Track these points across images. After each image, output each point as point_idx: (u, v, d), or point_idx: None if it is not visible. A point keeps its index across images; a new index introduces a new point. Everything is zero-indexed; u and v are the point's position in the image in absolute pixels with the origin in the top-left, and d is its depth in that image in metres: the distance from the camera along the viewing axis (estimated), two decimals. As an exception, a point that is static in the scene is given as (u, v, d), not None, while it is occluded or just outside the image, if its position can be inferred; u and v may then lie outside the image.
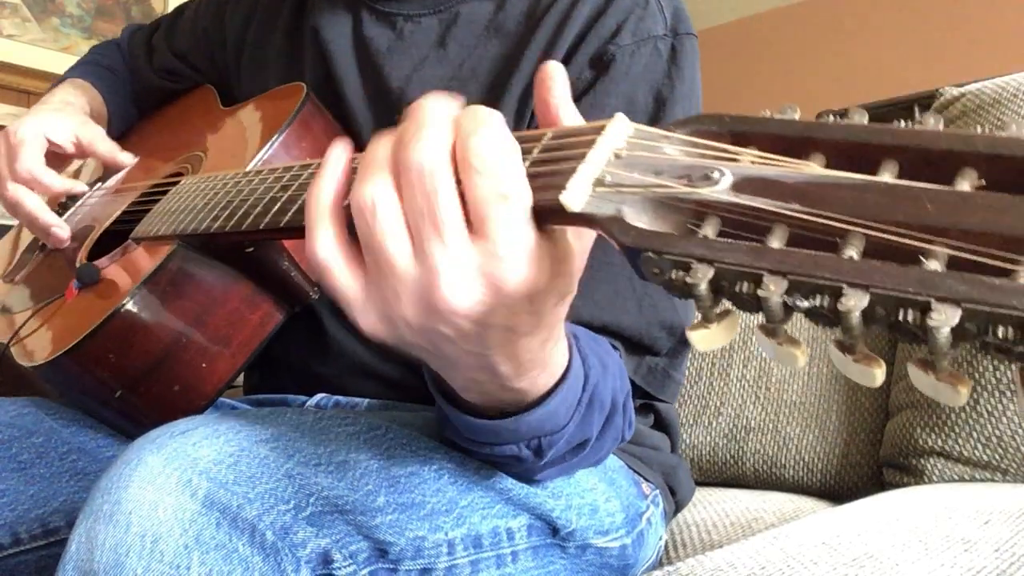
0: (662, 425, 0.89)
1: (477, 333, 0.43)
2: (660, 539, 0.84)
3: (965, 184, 0.30)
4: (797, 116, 0.35)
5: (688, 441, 1.25)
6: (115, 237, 0.86)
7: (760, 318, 0.31)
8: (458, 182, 0.40)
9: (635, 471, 0.81)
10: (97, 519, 0.52)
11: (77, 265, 0.85)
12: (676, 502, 0.90)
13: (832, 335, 0.31)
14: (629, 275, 0.73)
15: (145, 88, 1.16)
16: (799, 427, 1.18)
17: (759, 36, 2.35)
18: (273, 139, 0.80)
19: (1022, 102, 1.06)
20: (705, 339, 0.34)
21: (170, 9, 2.67)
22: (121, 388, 0.72)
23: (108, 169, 1.06)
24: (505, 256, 0.40)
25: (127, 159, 1.00)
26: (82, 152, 0.99)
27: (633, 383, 0.74)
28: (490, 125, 0.40)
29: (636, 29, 0.76)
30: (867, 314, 0.28)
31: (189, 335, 0.73)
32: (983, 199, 0.29)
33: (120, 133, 1.15)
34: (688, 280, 0.31)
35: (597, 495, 0.72)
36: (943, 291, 0.27)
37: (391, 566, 0.58)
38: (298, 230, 0.56)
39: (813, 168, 0.33)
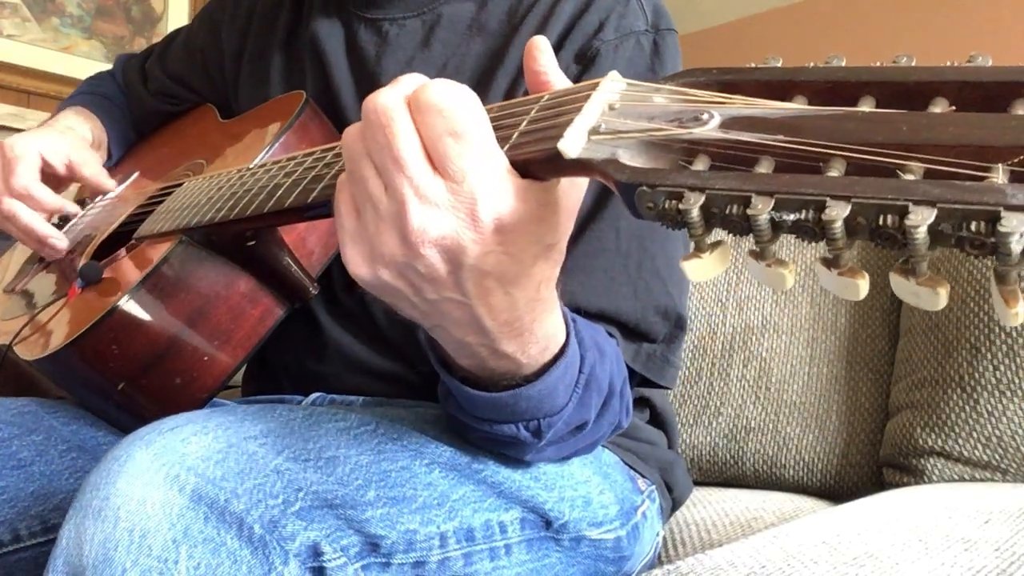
0: (658, 421, 0.89)
1: (451, 273, 0.45)
2: (657, 535, 0.84)
3: (937, 110, 0.32)
4: (780, 64, 0.38)
5: (688, 441, 1.25)
6: (117, 243, 0.87)
7: (750, 244, 0.33)
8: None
9: (631, 466, 0.82)
10: (86, 515, 0.52)
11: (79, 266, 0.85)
12: (673, 499, 0.90)
13: (817, 254, 0.32)
14: (623, 260, 0.74)
15: (144, 113, 1.17)
16: (799, 427, 1.18)
17: (759, 36, 2.35)
18: (274, 141, 0.81)
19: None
20: (698, 268, 0.36)
21: (170, 9, 2.68)
22: (123, 380, 0.73)
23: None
24: (467, 191, 0.43)
25: (110, 185, 1.01)
26: (71, 174, 1.00)
27: (633, 370, 0.75)
28: (444, 80, 0.44)
29: (619, 25, 0.79)
30: (849, 223, 0.30)
31: (191, 328, 0.74)
32: (954, 118, 0.31)
33: (120, 157, 1.17)
34: (681, 207, 0.33)
35: (591, 487, 0.73)
36: (919, 195, 0.28)
37: (384, 560, 0.59)
38: (300, 210, 0.59)
39: (795, 106, 0.35)
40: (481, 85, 0.81)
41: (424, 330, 0.54)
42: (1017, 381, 0.99)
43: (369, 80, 0.87)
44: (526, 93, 0.50)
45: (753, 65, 0.38)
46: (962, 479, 1.01)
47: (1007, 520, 0.67)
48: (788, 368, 1.22)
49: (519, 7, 0.84)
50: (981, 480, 1.00)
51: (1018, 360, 0.99)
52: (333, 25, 0.91)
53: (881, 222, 0.29)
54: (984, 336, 1.02)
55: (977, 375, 1.01)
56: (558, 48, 0.79)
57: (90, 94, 1.17)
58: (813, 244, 0.32)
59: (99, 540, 0.50)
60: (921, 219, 0.28)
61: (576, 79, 0.77)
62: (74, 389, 0.82)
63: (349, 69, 0.89)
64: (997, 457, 0.99)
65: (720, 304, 1.29)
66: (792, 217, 0.31)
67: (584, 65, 0.78)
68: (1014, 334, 1.00)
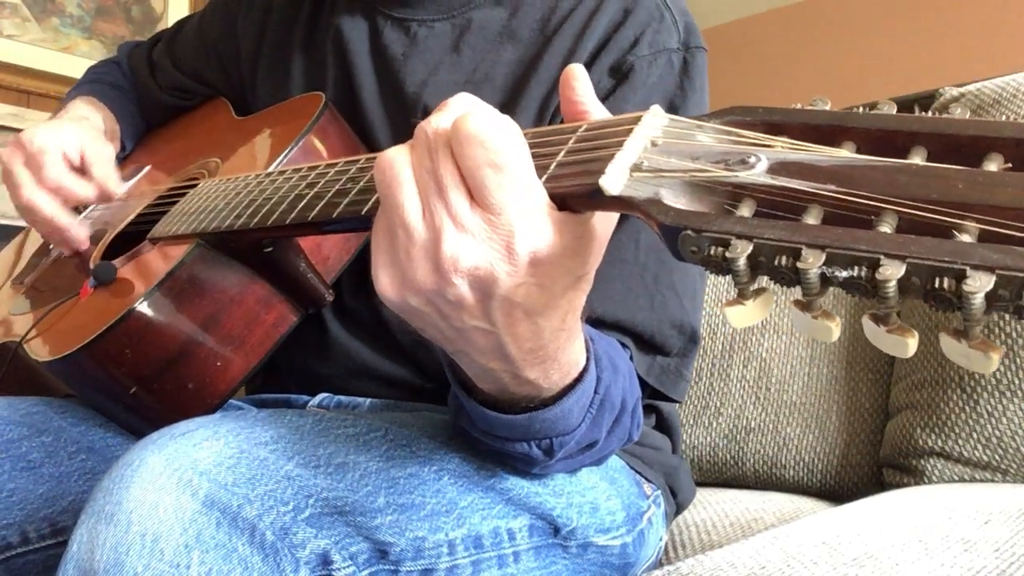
0: (664, 426, 0.90)
1: (480, 303, 0.45)
2: (661, 539, 0.85)
3: (992, 166, 0.31)
4: (828, 107, 0.37)
5: (688, 441, 1.25)
6: (128, 240, 0.86)
7: (795, 293, 0.33)
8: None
9: (636, 471, 0.82)
10: (99, 519, 0.52)
11: (91, 265, 0.85)
12: (677, 503, 0.91)
13: (867, 308, 0.32)
14: (641, 273, 0.74)
15: (152, 104, 1.15)
16: (799, 428, 1.19)
17: (759, 36, 2.35)
18: (292, 144, 0.81)
19: (1022, 102, 1.06)
20: (741, 316, 0.35)
21: (170, 9, 2.68)
22: (136, 385, 0.73)
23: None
24: (505, 224, 0.42)
25: (116, 190, 0.96)
26: (82, 168, 0.97)
27: (646, 383, 0.75)
28: (486, 109, 0.44)
29: (653, 41, 0.79)
30: (903, 283, 0.29)
31: (205, 334, 0.73)
32: (1012, 178, 0.30)
33: (132, 148, 1.15)
34: (728, 255, 0.32)
35: (598, 493, 0.73)
36: (977, 259, 0.28)
37: (392, 567, 0.59)
38: (323, 223, 0.58)
39: (845, 154, 0.34)
40: (514, 94, 0.81)
41: (443, 352, 0.54)
42: (1017, 381, 0.99)
43: (393, 81, 0.86)
44: (558, 109, 0.50)
45: (799, 106, 0.37)
46: (962, 479, 1.02)
47: (1007, 520, 0.68)
48: (788, 368, 1.22)
49: (552, 17, 0.83)
50: (981, 480, 1.01)
51: (1018, 360, 1.00)
52: (356, 21, 0.90)
53: (936, 285, 0.28)
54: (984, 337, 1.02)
55: (977, 375, 1.02)
56: (592, 61, 0.79)
57: (98, 83, 1.14)
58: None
59: (111, 544, 0.51)
60: (979, 286, 0.27)
61: (609, 93, 0.77)
62: (85, 392, 0.82)
63: (372, 68, 0.88)
64: (997, 457, 1.00)
65: (720, 304, 1.30)
66: (844, 274, 0.30)
67: (618, 80, 0.78)
68: (1014, 335, 1.01)
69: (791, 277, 0.31)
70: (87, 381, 0.77)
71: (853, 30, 2.19)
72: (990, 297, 0.28)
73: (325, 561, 0.55)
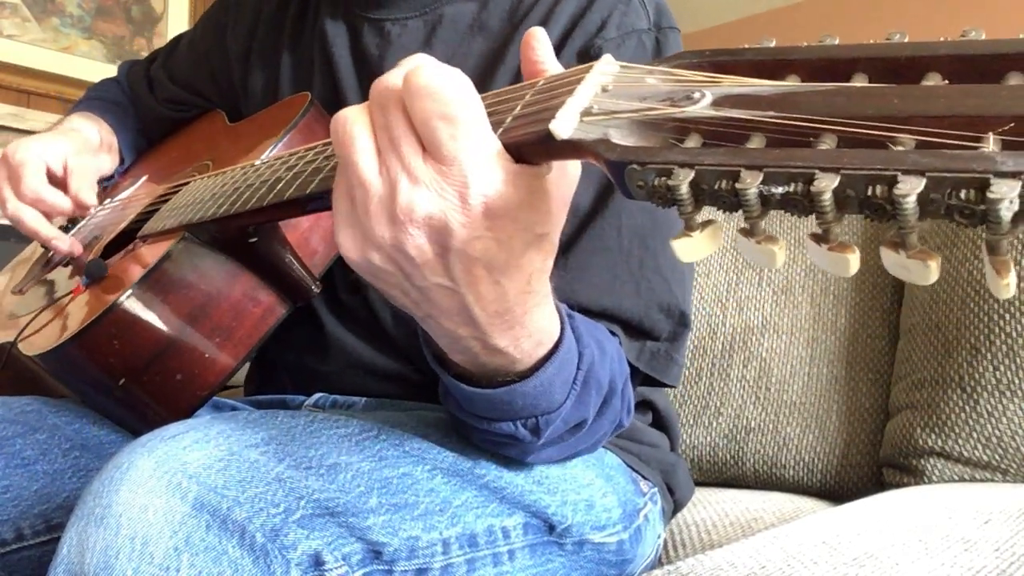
0: (661, 423, 0.90)
1: (439, 256, 0.45)
2: (659, 537, 0.85)
3: (930, 84, 0.32)
4: (773, 44, 0.38)
5: (688, 441, 1.25)
6: (125, 243, 0.87)
7: (740, 222, 0.33)
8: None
9: (633, 469, 0.82)
10: (88, 522, 0.52)
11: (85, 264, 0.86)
12: (675, 501, 0.91)
13: (808, 231, 0.32)
14: (625, 259, 0.74)
15: (152, 119, 1.18)
16: (799, 428, 1.18)
17: (759, 36, 2.35)
18: (277, 140, 0.82)
19: None
20: (688, 248, 0.35)
21: (170, 9, 2.68)
22: (124, 376, 0.73)
23: (117, 186, 1.07)
24: (457, 174, 0.43)
25: (90, 202, 0.98)
26: (64, 179, 0.98)
27: (636, 370, 0.75)
28: (434, 63, 0.45)
29: (620, 23, 0.79)
30: (839, 194, 0.29)
31: (192, 325, 0.74)
32: (946, 90, 0.31)
33: (132, 162, 1.17)
34: (670, 183, 0.33)
35: (593, 491, 0.73)
36: (908, 164, 0.28)
37: (386, 567, 0.58)
38: (300, 201, 0.59)
39: (788, 84, 0.35)
40: (483, 84, 0.81)
41: (420, 329, 0.54)
42: (1017, 381, 0.99)
43: (372, 80, 0.87)
44: None
45: (746, 46, 0.38)
46: (962, 479, 1.01)
47: (1007, 520, 0.67)
48: (788, 368, 1.22)
49: (520, 6, 0.84)
50: (981, 480, 1.00)
51: (1018, 360, 1.00)
52: (339, 26, 0.92)
53: (870, 193, 0.29)
54: (984, 336, 1.02)
55: (977, 375, 1.01)
56: (560, 47, 0.79)
57: (97, 99, 1.17)
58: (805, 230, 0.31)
59: (101, 547, 0.50)
60: (910, 188, 0.28)
61: None
62: (75, 385, 0.82)
63: (354, 70, 0.90)
64: (997, 457, 0.99)
65: (720, 304, 1.30)
66: (781, 190, 0.31)
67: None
68: (1014, 334, 1.00)
69: (731, 200, 0.32)
70: (76, 373, 0.77)
71: (853, 30, 2.19)
72: (922, 200, 0.28)
73: (317, 562, 0.55)
